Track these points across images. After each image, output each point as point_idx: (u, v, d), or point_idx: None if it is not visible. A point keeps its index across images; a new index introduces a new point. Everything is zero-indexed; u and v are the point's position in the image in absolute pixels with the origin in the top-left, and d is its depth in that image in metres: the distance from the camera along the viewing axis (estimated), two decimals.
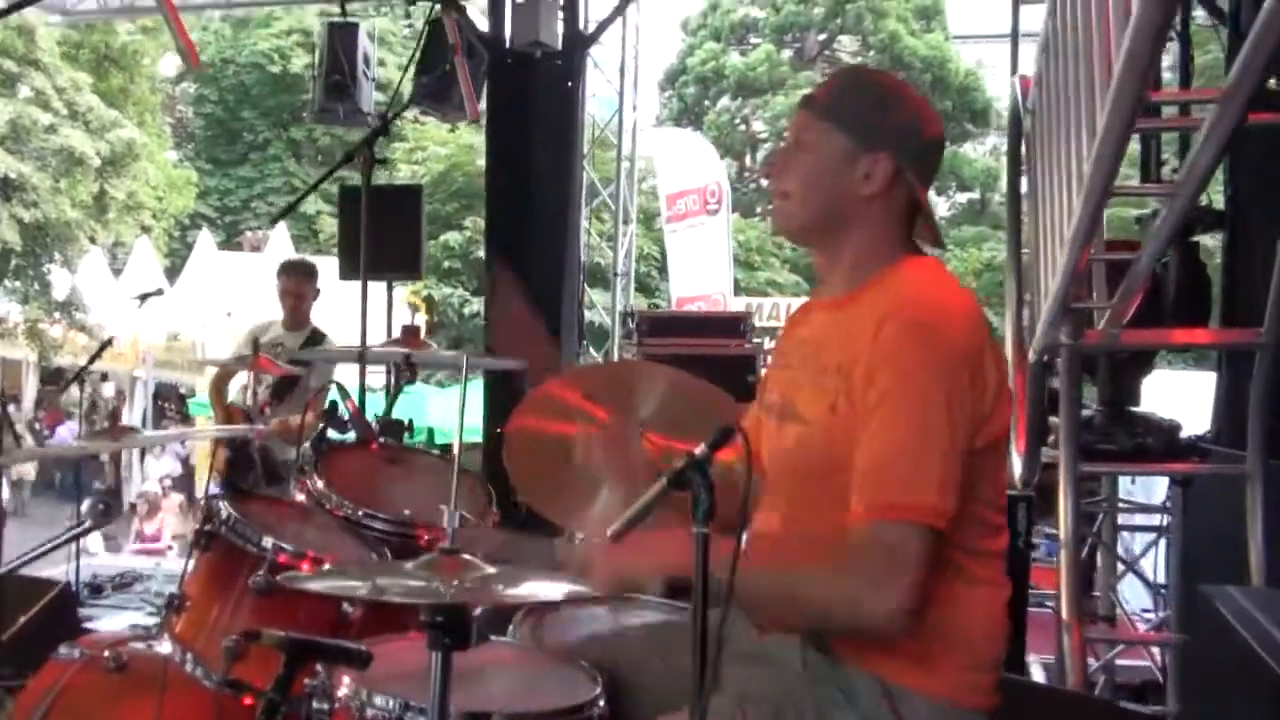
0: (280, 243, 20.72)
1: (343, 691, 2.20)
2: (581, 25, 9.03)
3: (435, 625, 1.86)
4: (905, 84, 2.36)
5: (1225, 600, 2.73)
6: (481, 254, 23.05)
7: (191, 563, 2.59)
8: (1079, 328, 3.93)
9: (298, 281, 6.54)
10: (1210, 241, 6.46)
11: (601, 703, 2.25)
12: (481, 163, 22.90)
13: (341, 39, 9.31)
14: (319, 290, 6.70)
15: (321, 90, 9.42)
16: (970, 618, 2.10)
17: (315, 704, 2.21)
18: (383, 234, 8.04)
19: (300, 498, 2.90)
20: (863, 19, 28.06)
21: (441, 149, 23.96)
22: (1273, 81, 5.15)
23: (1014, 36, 8.27)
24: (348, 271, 8.91)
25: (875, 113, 2.17)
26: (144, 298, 7.66)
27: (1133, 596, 6.04)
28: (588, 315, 10.13)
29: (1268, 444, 3.93)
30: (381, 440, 3.12)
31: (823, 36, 29.63)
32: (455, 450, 2.05)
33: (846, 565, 1.98)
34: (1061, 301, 3.71)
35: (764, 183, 28.45)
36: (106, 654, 2.65)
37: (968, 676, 2.11)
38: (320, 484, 2.85)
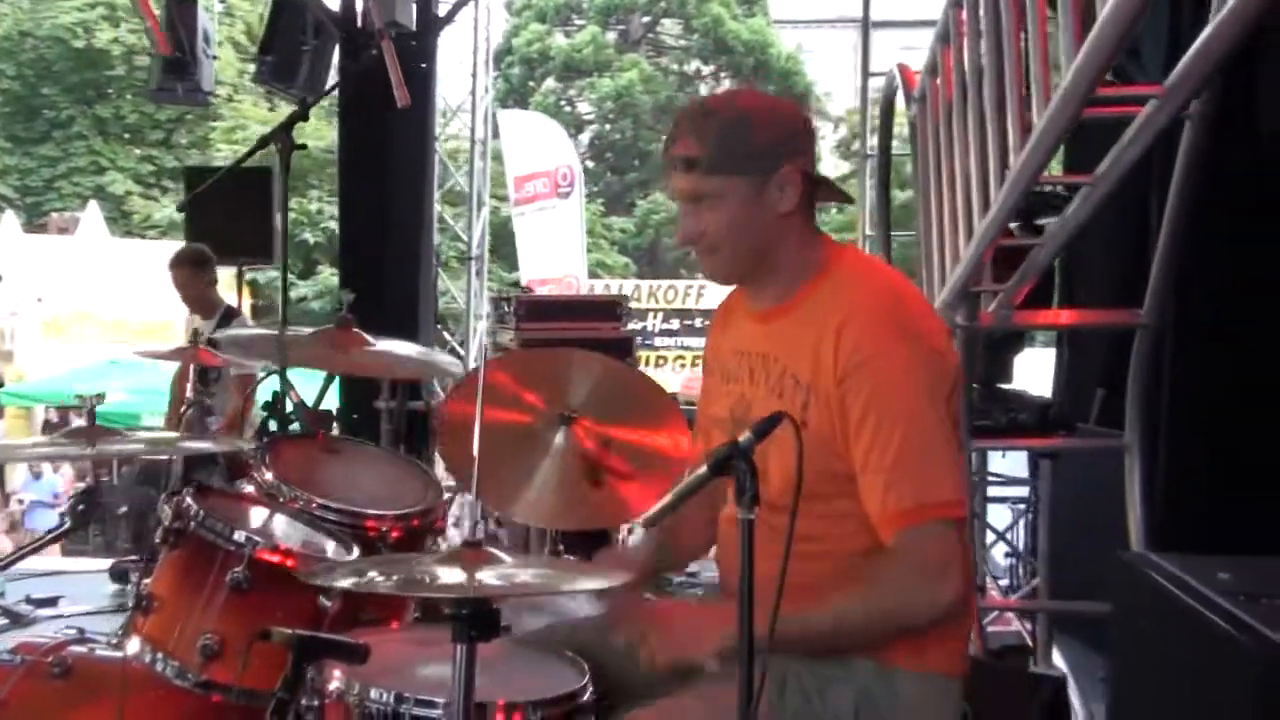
0: (92, 225, 19.85)
1: (333, 685, 2.17)
2: (434, 7, 8.93)
3: (460, 618, 1.84)
4: (752, 91, 2.41)
5: (1151, 565, 2.90)
6: (306, 236, 22.66)
7: (159, 561, 2.52)
8: (973, 310, 4.09)
9: (182, 274, 6.37)
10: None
11: (590, 689, 2.28)
12: (305, 143, 22.52)
13: (181, 16, 8.97)
14: (214, 277, 6.45)
15: (160, 68, 9.09)
16: None
17: (304, 700, 2.17)
18: (233, 216, 7.85)
19: (249, 489, 2.84)
20: (686, 3, 28.34)
21: (262, 128, 23.27)
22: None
23: (865, 25, 8.54)
24: None
25: (756, 141, 2.15)
26: None
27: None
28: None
29: (1145, 418, 4.17)
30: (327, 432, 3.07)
31: (647, 19, 29.82)
32: (475, 447, 2.02)
33: (892, 578, 2.04)
34: (963, 285, 3.85)
35: (591, 165, 28.57)
36: (50, 659, 2.55)
37: (952, 645, 2.20)
38: (270, 476, 2.79)
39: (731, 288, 2.40)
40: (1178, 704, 2.42)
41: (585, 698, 2.23)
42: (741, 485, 1.70)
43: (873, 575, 2.07)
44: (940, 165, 4.19)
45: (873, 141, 7.15)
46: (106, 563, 7.63)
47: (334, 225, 18.79)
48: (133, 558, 7.32)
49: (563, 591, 2.45)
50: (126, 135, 28.00)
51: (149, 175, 27.08)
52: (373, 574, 1.88)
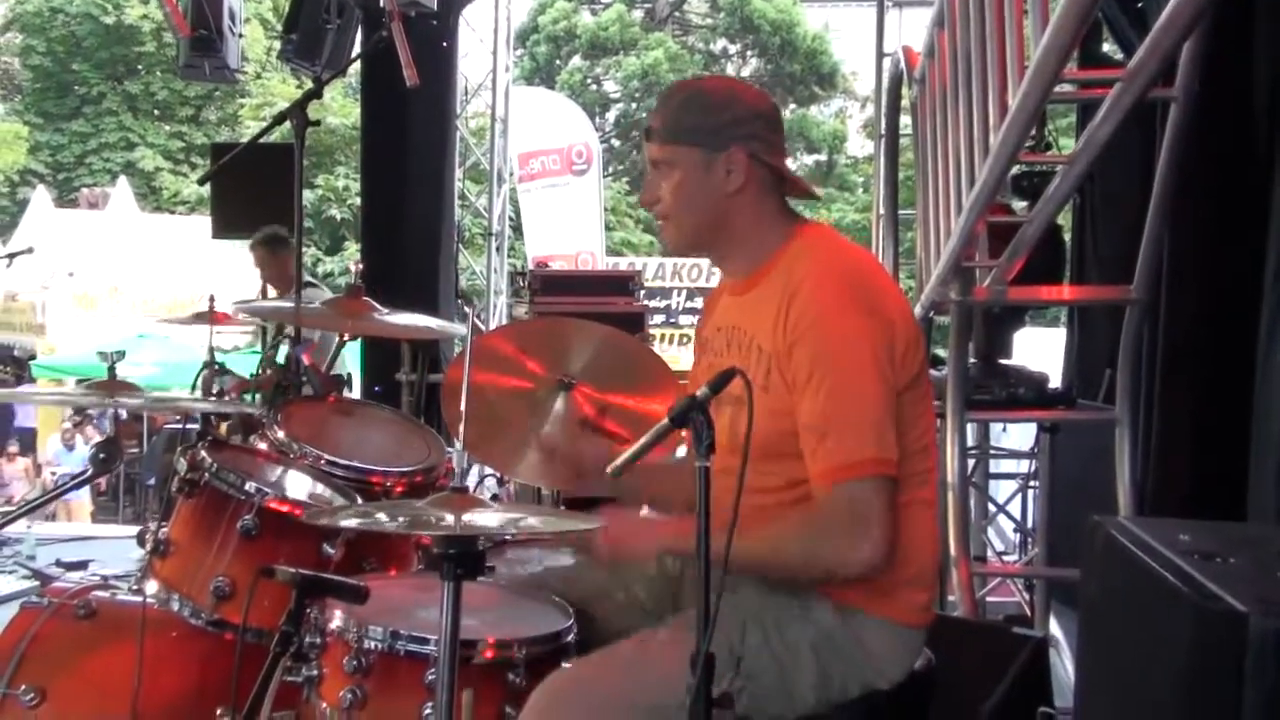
0: (122, 201, 20.13)
1: (334, 624, 2.34)
2: None
3: (448, 557, 1.99)
4: (720, 77, 2.58)
5: (1119, 529, 3.03)
6: (334, 212, 22.90)
7: (175, 509, 2.70)
8: (967, 285, 4.20)
9: (259, 254, 6.63)
10: None
11: (574, 631, 2.43)
12: (331, 120, 22.71)
13: None
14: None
15: (187, 46, 9.24)
16: (915, 539, 2.29)
17: (308, 638, 2.33)
18: (258, 192, 8.02)
19: (262, 447, 3.01)
20: None
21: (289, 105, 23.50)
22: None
23: (880, 4, 8.61)
24: (220, 230, 8.83)
25: (707, 117, 2.33)
26: (12, 257, 7.48)
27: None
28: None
29: (1134, 391, 4.28)
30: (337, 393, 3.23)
31: None
32: (463, 406, 2.17)
33: (819, 528, 2.15)
34: (955, 260, 3.97)
35: (616, 143, 28.66)
36: (75, 602, 2.72)
37: (913, 596, 2.32)
38: (282, 434, 2.96)
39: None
40: (1132, 657, 2.55)
41: (569, 638, 2.40)
42: (699, 435, 1.83)
43: (803, 522, 2.19)
44: (936, 144, 4.31)
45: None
46: (135, 529, 7.86)
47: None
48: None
49: (543, 534, 2.60)
50: (156, 112, 28.29)
51: (178, 151, 27.37)
52: (375, 516, 2.03)
